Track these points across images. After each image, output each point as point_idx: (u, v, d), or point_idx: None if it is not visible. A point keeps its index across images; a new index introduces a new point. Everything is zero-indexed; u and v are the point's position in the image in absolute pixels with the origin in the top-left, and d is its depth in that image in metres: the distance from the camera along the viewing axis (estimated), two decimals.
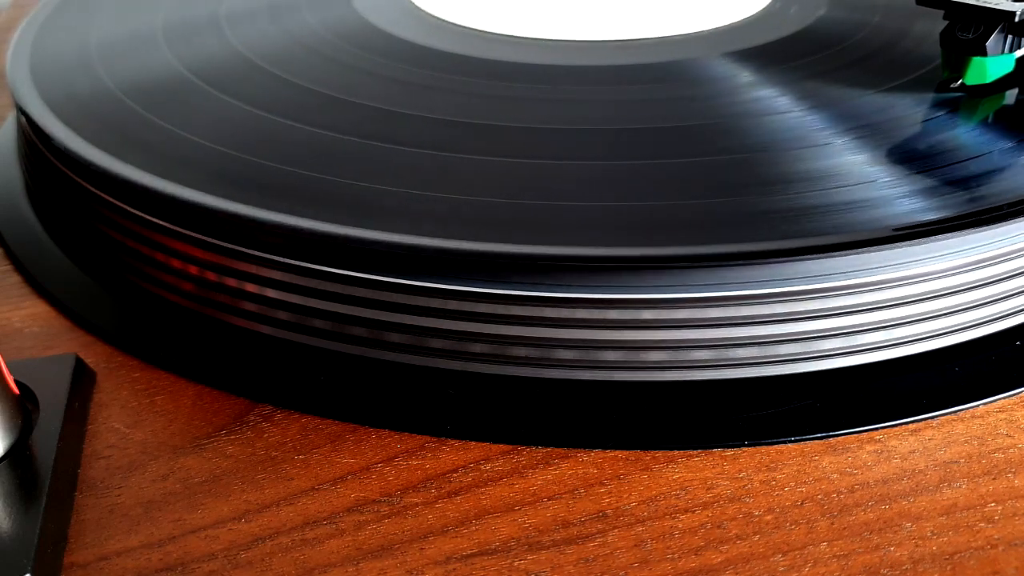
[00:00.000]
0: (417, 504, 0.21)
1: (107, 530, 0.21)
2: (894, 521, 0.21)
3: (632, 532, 0.21)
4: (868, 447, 0.22)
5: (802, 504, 0.21)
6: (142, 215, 0.27)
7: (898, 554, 0.20)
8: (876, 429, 0.23)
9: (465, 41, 0.38)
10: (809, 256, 0.23)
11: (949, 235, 0.23)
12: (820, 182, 0.26)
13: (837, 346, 0.24)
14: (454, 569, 0.20)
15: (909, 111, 0.30)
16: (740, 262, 0.23)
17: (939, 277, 0.24)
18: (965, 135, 0.28)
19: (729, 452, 0.23)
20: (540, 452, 0.23)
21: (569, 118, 0.31)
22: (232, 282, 0.26)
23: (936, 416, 0.23)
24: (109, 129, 0.30)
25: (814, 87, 0.32)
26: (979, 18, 0.30)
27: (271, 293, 0.25)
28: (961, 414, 0.23)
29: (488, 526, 0.21)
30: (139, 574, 0.20)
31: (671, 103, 0.32)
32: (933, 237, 0.23)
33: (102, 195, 0.28)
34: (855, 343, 0.24)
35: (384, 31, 0.39)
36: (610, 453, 0.23)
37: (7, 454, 0.22)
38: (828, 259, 0.23)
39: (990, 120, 0.30)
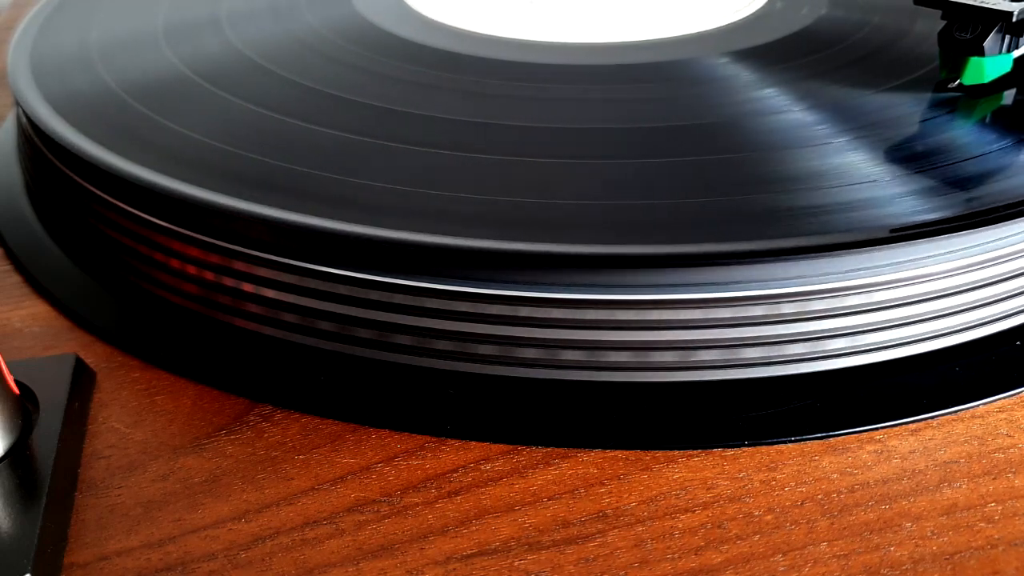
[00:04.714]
0: (417, 504, 0.21)
1: (107, 530, 0.21)
2: (894, 521, 0.21)
3: (632, 532, 0.21)
4: (868, 447, 0.22)
5: (802, 504, 0.21)
6: (142, 215, 0.27)
7: (898, 554, 0.20)
8: (876, 429, 0.23)
9: (465, 42, 0.38)
10: (808, 256, 0.23)
11: (949, 236, 0.23)
12: (820, 181, 0.26)
13: (837, 346, 0.24)
14: (454, 569, 0.20)
15: (908, 111, 0.30)
16: (738, 261, 0.23)
17: (939, 278, 0.24)
18: (963, 135, 0.28)
19: (729, 452, 0.23)
20: (540, 452, 0.23)
21: (569, 117, 0.31)
22: (232, 282, 0.26)
23: (936, 416, 0.23)
24: (109, 127, 0.30)
25: (814, 87, 0.32)
26: (976, 18, 0.30)
27: (271, 293, 0.25)
28: (961, 414, 0.23)
29: (488, 526, 0.21)
30: (139, 574, 0.20)
31: (671, 103, 0.32)
32: (933, 238, 0.23)
33: (102, 194, 0.28)
34: (855, 343, 0.24)
35: (385, 30, 0.39)
36: (610, 453, 0.23)
37: (7, 454, 0.22)
38: (827, 259, 0.23)
39: (988, 120, 0.30)
